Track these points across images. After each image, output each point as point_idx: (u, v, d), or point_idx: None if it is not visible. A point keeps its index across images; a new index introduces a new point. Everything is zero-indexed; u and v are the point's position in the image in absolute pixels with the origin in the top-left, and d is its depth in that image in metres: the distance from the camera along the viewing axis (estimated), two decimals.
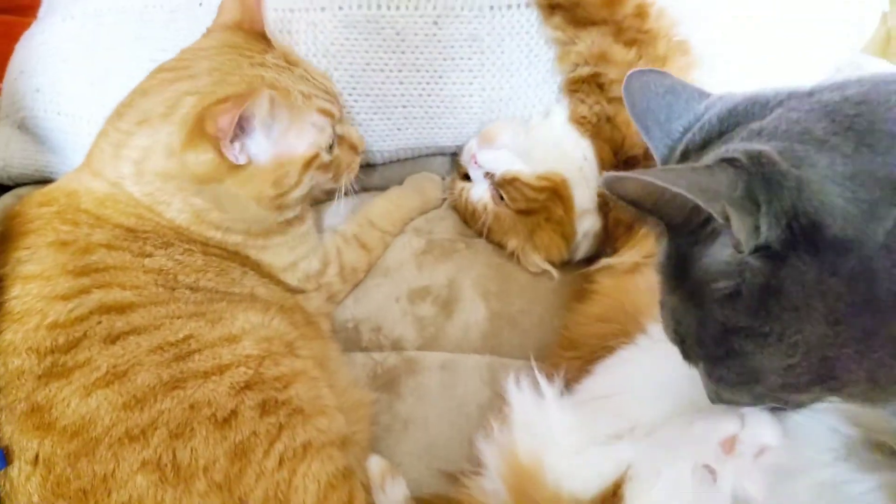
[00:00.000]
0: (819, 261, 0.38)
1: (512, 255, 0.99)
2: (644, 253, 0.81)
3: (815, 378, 0.41)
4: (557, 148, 0.94)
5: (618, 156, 0.90)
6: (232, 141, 0.69)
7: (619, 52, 0.87)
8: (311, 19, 0.96)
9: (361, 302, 0.97)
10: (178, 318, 0.70)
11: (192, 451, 0.60)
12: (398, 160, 1.10)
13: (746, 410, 0.53)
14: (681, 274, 0.45)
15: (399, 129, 1.02)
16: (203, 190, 0.75)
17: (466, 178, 1.04)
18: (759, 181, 0.38)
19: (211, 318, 0.72)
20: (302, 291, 0.90)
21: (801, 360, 0.40)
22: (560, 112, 0.95)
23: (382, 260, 1.01)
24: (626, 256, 0.85)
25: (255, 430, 0.64)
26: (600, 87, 0.90)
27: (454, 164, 1.11)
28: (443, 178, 1.12)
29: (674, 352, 0.51)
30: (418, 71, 0.97)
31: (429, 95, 0.99)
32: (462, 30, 0.95)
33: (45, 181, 1.09)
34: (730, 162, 0.40)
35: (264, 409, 0.66)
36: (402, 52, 0.96)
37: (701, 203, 0.37)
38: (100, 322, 0.67)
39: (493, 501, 0.66)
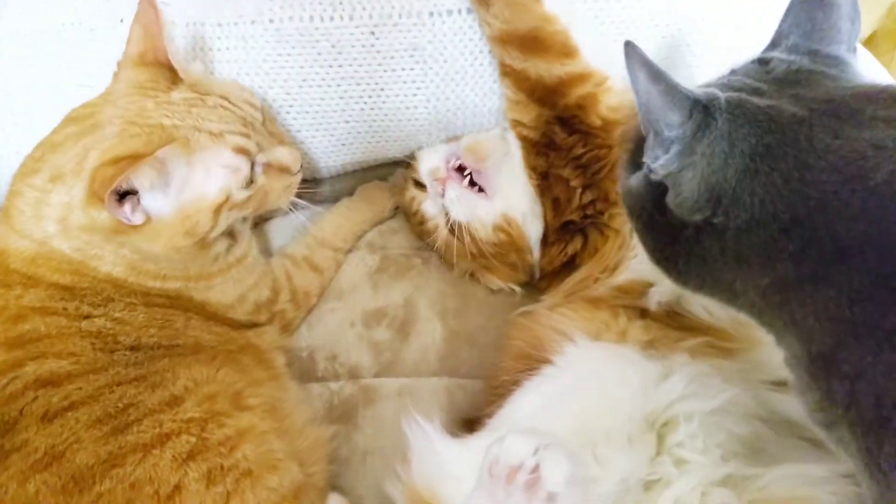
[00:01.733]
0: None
1: (465, 274, 0.98)
2: (560, 297, 0.86)
3: None
4: (516, 186, 0.92)
5: (556, 213, 0.89)
6: (120, 204, 0.67)
7: (561, 137, 0.86)
8: (241, 33, 0.91)
9: (315, 329, 0.95)
10: (118, 384, 0.68)
11: None
12: (346, 173, 1.06)
13: (547, 445, 0.53)
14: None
15: (343, 145, 0.98)
16: (125, 242, 0.72)
17: (419, 183, 1.01)
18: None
19: (152, 382, 0.70)
20: (254, 325, 0.88)
21: None
22: (515, 150, 0.92)
23: (336, 281, 0.98)
24: (545, 301, 0.86)
25: (202, 502, 0.63)
26: (549, 144, 0.87)
27: (405, 167, 1.07)
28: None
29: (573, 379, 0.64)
30: (358, 84, 0.93)
31: (371, 109, 0.95)
32: (401, 39, 0.91)
33: None
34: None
35: (210, 478, 0.64)
36: (340, 66, 0.91)
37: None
38: (35, 398, 0.65)
39: None
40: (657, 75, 0.50)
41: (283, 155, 0.81)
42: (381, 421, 0.87)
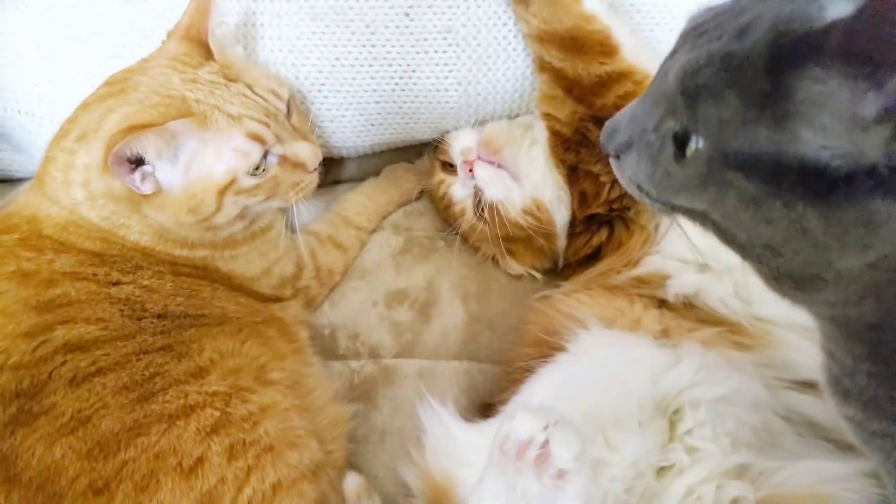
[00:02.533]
0: None
1: (488, 259, 0.98)
2: (579, 285, 0.86)
3: None
4: (545, 173, 0.91)
5: (583, 206, 0.88)
6: (132, 172, 0.68)
7: (595, 135, 0.84)
8: (277, 10, 0.90)
9: (338, 307, 0.95)
10: (145, 352, 0.69)
11: (157, 503, 0.60)
12: (375, 153, 1.06)
13: (557, 422, 0.54)
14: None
15: (373, 125, 0.98)
16: (143, 212, 0.73)
17: (447, 166, 1.01)
18: None
19: (178, 351, 0.71)
20: (278, 300, 0.89)
21: None
22: (542, 140, 0.91)
23: (359, 260, 0.99)
24: (563, 287, 0.87)
25: (223, 476, 0.64)
26: (581, 141, 0.86)
27: (432, 150, 1.06)
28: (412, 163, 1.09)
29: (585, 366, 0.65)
30: (390, 65, 0.92)
31: (402, 90, 0.94)
32: (435, 21, 0.90)
33: (9, 180, 1.07)
34: None
35: (232, 453, 0.65)
36: (373, 46, 0.91)
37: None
38: (64, 362, 0.66)
39: None
40: None
41: (301, 150, 0.79)
42: (400, 402, 0.87)
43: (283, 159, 0.78)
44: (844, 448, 0.67)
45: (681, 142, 0.40)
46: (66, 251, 0.72)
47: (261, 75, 0.79)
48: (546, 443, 0.52)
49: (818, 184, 0.34)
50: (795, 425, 0.72)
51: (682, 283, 0.77)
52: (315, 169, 0.81)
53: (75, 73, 0.93)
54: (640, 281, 0.79)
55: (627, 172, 0.47)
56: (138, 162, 0.68)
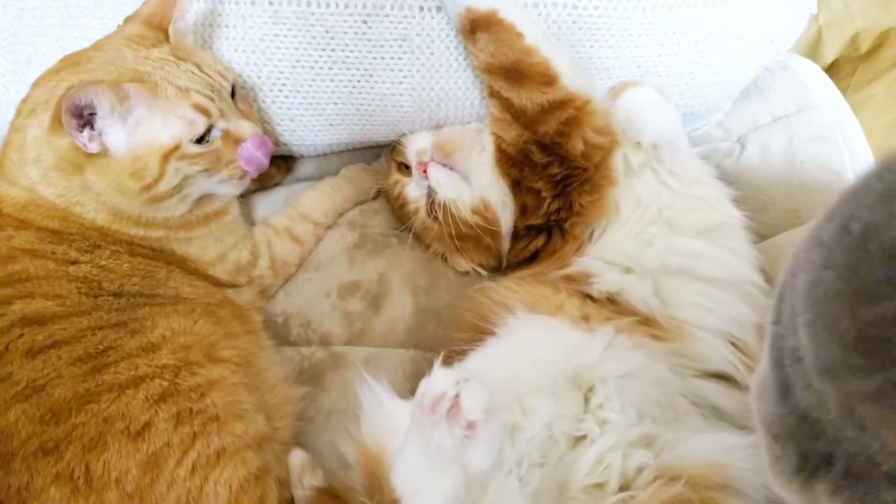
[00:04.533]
0: None
1: (438, 255, 1.03)
2: (518, 277, 0.91)
3: None
4: (492, 178, 0.97)
5: (523, 216, 0.95)
6: (80, 128, 0.72)
7: (538, 157, 0.91)
8: (242, 13, 0.95)
9: (292, 296, 1.00)
10: (100, 328, 0.73)
11: (104, 463, 0.64)
12: (334, 153, 1.11)
13: (467, 379, 0.60)
14: None
15: (331, 125, 1.03)
16: (87, 183, 0.77)
17: (403, 167, 1.07)
18: None
19: (132, 328, 0.75)
20: (234, 286, 0.93)
21: None
22: (490, 147, 0.97)
23: (315, 254, 1.04)
24: (505, 281, 0.92)
25: (169, 440, 0.68)
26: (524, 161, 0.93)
27: (389, 152, 1.12)
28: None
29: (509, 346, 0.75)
30: (349, 69, 0.98)
31: (360, 93, 1.00)
32: (392, 29, 0.96)
33: None
34: None
35: (179, 419, 0.70)
36: (332, 50, 0.97)
37: None
38: (21, 335, 0.70)
39: (357, 487, 0.76)
40: None
41: (243, 127, 0.84)
42: (347, 385, 0.92)
43: (226, 134, 0.82)
44: (746, 427, 0.73)
45: None
46: (26, 228, 0.76)
47: (209, 58, 0.85)
48: (457, 397, 0.57)
49: None
50: (702, 409, 0.79)
51: (606, 282, 0.84)
52: None
53: (44, 64, 0.97)
54: (569, 278, 0.86)
55: None
56: (88, 120, 0.72)
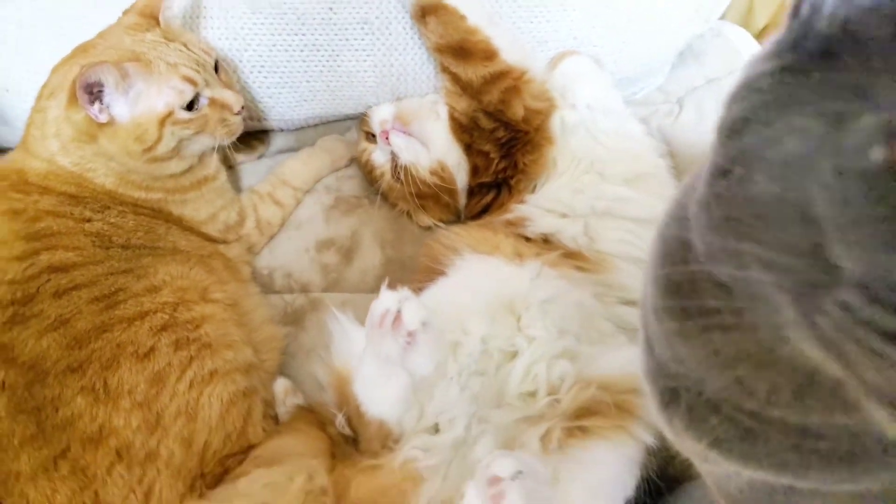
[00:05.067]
0: None
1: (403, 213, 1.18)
2: (464, 225, 1.06)
3: None
4: (447, 143, 1.10)
5: (475, 175, 1.09)
6: (91, 102, 0.86)
7: (485, 123, 1.05)
8: (223, 4, 1.09)
9: (276, 252, 1.15)
10: (112, 274, 0.88)
11: (118, 378, 0.79)
12: (310, 126, 1.25)
13: (408, 297, 0.75)
14: None
15: (305, 101, 1.17)
16: (99, 150, 0.91)
17: (370, 136, 1.21)
18: None
19: (138, 273, 0.89)
20: (224, 242, 1.08)
21: None
22: (444, 115, 1.11)
23: (295, 215, 1.18)
24: (454, 228, 1.07)
25: (170, 361, 0.83)
26: (474, 128, 1.06)
27: (359, 123, 1.26)
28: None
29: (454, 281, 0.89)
30: (318, 51, 1.12)
31: (329, 72, 1.14)
32: (354, 14, 1.09)
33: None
34: None
35: (177, 345, 0.84)
36: (303, 35, 1.10)
37: None
38: (48, 280, 0.84)
39: (329, 403, 0.90)
40: None
41: (226, 94, 0.98)
42: (324, 325, 1.05)
43: (212, 101, 0.96)
44: None
45: None
46: (48, 194, 0.91)
47: (193, 38, 0.99)
48: (399, 312, 0.72)
49: None
50: (626, 332, 0.93)
51: (541, 224, 0.98)
52: (238, 112, 1.00)
53: (56, 55, 1.11)
54: (509, 223, 1.00)
55: None
56: (97, 96, 0.87)
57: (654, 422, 0.81)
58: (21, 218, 0.88)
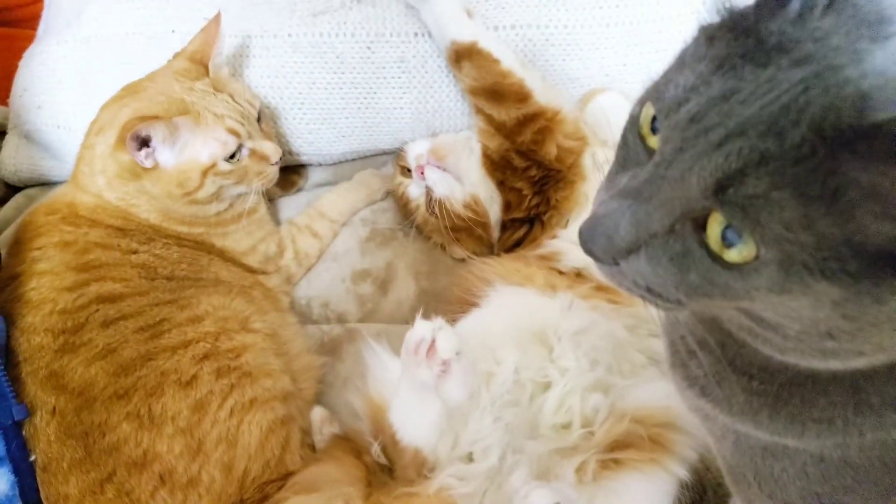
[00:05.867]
0: None
1: (437, 246, 1.20)
2: (497, 256, 1.07)
3: None
4: (480, 178, 1.12)
5: (507, 211, 1.11)
6: (139, 150, 0.91)
7: (517, 162, 1.07)
8: (265, 44, 1.14)
9: (313, 283, 1.17)
10: (157, 305, 0.91)
11: (162, 405, 0.82)
12: (347, 160, 1.29)
13: (441, 327, 0.77)
14: None
15: (344, 137, 1.21)
16: (142, 188, 0.95)
17: (405, 171, 1.23)
18: None
19: (181, 304, 0.92)
20: (264, 273, 1.11)
21: None
22: (478, 150, 1.13)
23: (332, 246, 1.21)
24: (487, 259, 1.08)
25: (212, 389, 0.85)
26: (506, 165, 1.08)
27: (395, 158, 1.29)
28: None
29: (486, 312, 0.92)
30: (356, 88, 1.15)
31: (366, 109, 1.17)
32: (392, 53, 1.13)
33: (48, 184, 1.30)
34: None
35: (219, 373, 0.87)
36: (342, 73, 1.14)
37: None
38: (97, 310, 0.88)
39: (365, 431, 0.91)
40: None
41: (266, 146, 1.02)
42: (360, 355, 1.07)
43: (253, 152, 1.00)
44: None
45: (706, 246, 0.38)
46: (97, 226, 0.95)
47: (240, 89, 1.03)
48: (433, 341, 0.74)
49: None
50: (658, 364, 0.93)
51: (573, 258, 0.99)
52: (275, 163, 1.04)
53: (105, 94, 1.16)
54: (542, 257, 1.01)
55: (632, 277, 0.44)
56: (144, 143, 0.91)
57: (688, 456, 0.81)
58: (71, 249, 0.92)
